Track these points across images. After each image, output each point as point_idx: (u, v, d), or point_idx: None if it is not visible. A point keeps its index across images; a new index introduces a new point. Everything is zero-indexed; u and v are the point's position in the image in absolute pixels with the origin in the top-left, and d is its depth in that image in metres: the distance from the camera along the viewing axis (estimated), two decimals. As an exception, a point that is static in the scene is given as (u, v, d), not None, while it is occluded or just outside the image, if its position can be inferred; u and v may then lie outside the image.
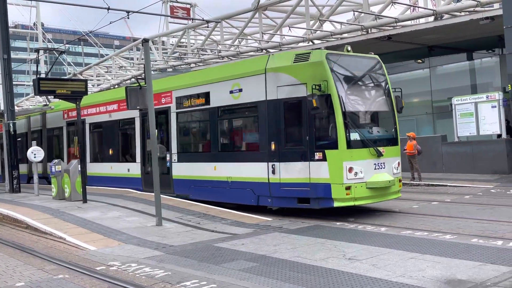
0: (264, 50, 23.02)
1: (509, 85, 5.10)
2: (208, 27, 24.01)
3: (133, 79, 28.29)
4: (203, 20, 22.06)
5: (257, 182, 11.55)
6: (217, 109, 12.75)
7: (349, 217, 10.99)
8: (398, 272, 6.46)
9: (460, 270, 6.44)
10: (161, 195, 11.91)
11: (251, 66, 12.26)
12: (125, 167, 16.13)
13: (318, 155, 10.59)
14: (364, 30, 18.91)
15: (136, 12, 17.06)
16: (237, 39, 25.13)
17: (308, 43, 21.38)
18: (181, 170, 13.87)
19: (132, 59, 32.51)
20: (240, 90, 12.09)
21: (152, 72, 17.45)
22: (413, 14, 19.98)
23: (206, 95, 13.05)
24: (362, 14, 19.63)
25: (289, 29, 21.86)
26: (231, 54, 24.77)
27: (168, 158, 14.33)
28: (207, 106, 13.03)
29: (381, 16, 18.76)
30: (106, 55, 38.90)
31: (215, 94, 12.78)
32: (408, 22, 19.70)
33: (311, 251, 7.90)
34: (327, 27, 23.37)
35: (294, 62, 11.09)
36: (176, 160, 14.03)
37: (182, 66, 27.46)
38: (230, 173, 12.31)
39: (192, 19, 28.13)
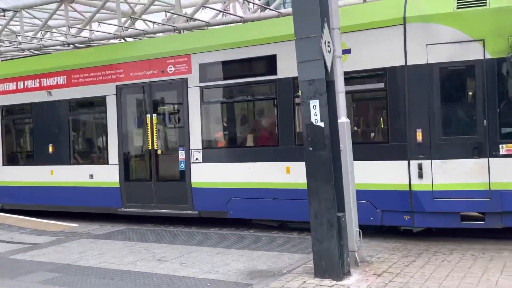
0: (71, 45, 21.69)
1: (299, 92, 5.71)
2: (5, 16, 21.63)
3: None
4: (-1, 8, 19.77)
5: (385, 191, 7.86)
6: (292, 82, 8.48)
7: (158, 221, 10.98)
8: (205, 269, 6.67)
9: (261, 261, 6.93)
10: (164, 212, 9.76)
11: (372, 13, 8.30)
12: (85, 172, 10.73)
13: (505, 148, 7.30)
14: (177, 31, 19.13)
15: None
16: (40, 31, 23.18)
17: (120, 40, 20.80)
18: (210, 174, 9.33)
19: None
20: (346, 52, 7.91)
21: None
22: (223, 19, 20.86)
23: (269, 61, 8.83)
24: (175, 15, 19.82)
25: (99, 24, 20.93)
26: (33, 47, 22.72)
27: (182, 157, 9.72)
28: (272, 77, 8.79)
29: (193, 18, 19.19)
30: None
31: (288, 58, 8.23)
32: (220, 26, 20.48)
33: (119, 255, 7.68)
34: (140, 25, 23.02)
35: (458, 8, 7.56)
36: (199, 160, 9.49)
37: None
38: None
39: (-14, 5, 25.03)
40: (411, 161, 7.60)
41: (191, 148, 9.59)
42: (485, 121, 7.31)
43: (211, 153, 9.48)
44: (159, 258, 7.39)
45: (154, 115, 10.07)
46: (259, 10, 19.20)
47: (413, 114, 7.63)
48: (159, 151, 10.03)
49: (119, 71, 10.47)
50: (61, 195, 10.93)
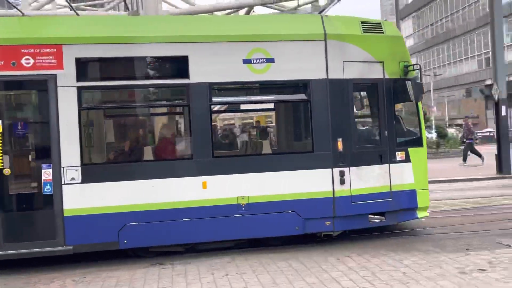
0: None
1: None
2: None
3: None
4: None
5: (309, 199, 7.89)
6: (208, 88, 7.68)
7: None
8: None
9: None
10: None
11: (295, 25, 8.36)
12: None
13: (400, 155, 8.41)
14: None
15: None
16: None
17: None
18: (95, 197, 7.26)
19: None
20: (270, 60, 7.89)
21: None
22: None
23: (179, 62, 7.73)
24: None
25: None
26: None
27: (49, 177, 7.19)
28: (183, 81, 7.68)
29: None
30: None
31: (204, 61, 7.70)
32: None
33: None
34: None
35: (364, 32, 8.40)
36: (77, 180, 7.20)
37: None
38: (246, 191, 7.73)
39: None
40: (334, 169, 7.99)
41: (63, 165, 7.23)
42: (386, 132, 8.30)
43: (97, 170, 7.48)
44: None
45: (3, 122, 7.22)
46: None
47: (335, 125, 8.03)
48: (6, 171, 7.14)
49: None
50: None
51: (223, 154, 8.18)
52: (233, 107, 8.71)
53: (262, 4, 9.80)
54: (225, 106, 8.50)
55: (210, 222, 7.66)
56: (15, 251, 7.14)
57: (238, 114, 8.89)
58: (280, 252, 7.69)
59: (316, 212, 7.95)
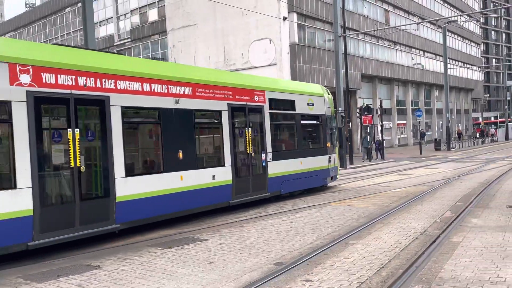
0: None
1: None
2: None
3: None
4: None
5: (323, 169, 16.68)
6: (300, 115, 15.66)
7: None
8: None
9: None
10: (255, 197, 13.45)
11: (315, 89, 17.16)
12: (208, 174, 12.01)
13: (335, 150, 17.73)
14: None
15: None
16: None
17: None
18: (275, 168, 14.40)
19: None
20: (313, 104, 16.35)
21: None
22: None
23: (292, 102, 15.44)
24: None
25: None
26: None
27: (263, 158, 14.06)
28: (293, 112, 15.47)
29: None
30: None
31: (298, 103, 15.63)
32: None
33: None
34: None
35: (328, 94, 17.47)
36: (271, 159, 14.29)
37: None
38: (310, 165, 15.92)
39: None
40: (328, 155, 16.98)
41: (267, 151, 14.13)
42: (333, 139, 17.79)
43: (275, 154, 14.37)
44: None
45: (249, 129, 13.55)
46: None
47: (327, 135, 16.96)
48: (245, 155, 13.50)
49: (229, 93, 12.97)
50: (186, 197, 11.33)
51: (303, 147, 16.00)
52: (305, 126, 16.25)
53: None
54: (304, 125, 16.09)
55: (301, 180, 15.59)
56: (242, 199, 13.04)
57: (306, 129, 16.61)
58: None
59: (324, 175, 16.80)
